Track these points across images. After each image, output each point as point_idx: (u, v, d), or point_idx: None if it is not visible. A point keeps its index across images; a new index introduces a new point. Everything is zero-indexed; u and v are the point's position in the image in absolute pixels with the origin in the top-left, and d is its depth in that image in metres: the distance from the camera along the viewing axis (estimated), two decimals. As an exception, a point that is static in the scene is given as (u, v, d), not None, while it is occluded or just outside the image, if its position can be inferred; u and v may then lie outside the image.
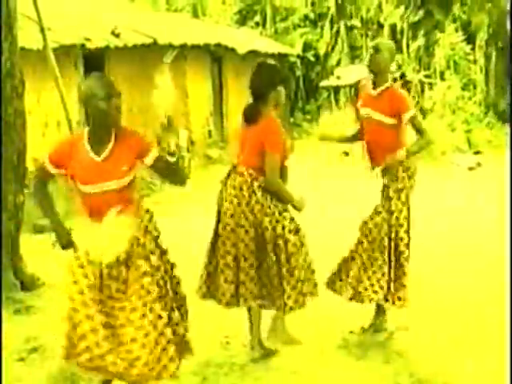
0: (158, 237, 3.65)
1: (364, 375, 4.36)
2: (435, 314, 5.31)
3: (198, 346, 4.85)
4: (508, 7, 22.29)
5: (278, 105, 4.43)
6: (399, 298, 4.80)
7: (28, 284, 6.18)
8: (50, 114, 10.16)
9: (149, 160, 3.53)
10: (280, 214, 4.36)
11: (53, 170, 3.51)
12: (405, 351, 4.70)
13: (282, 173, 4.40)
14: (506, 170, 11.97)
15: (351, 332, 5.03)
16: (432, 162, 13.24)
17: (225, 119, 17.41)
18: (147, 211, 3.65)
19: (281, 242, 4.33)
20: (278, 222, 4.33)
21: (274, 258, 4.33)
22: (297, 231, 4.42)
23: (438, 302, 5.55)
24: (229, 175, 4.50)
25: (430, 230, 7.23)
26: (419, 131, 4.72)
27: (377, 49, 4.74)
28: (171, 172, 3.60)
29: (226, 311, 5.53)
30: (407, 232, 4.78)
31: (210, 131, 16.18)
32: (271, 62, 4.62)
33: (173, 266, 3.80)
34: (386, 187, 4.72)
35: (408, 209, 4.77)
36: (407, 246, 4.79)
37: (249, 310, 4.54)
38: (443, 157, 14.49)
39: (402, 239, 4.74)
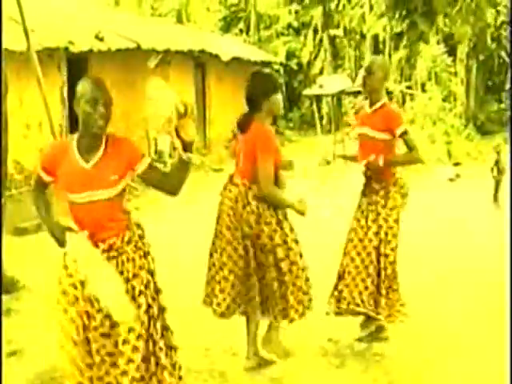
0: (148, 253, 3.49)
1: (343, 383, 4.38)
2: (414, 323, 5.33)
3: (178, 351, 4.86)
4: (489, 20, 22.57)
5: (272, 113, 4.34)
6: (389, 315, 4.83)
7: (8, 287, 6.14)
8: (31, 116, 10.12)
9: (140, 168, 3.30)
10: (278, 223, 4.28)
11: (46, 178, 3.35)
12: (383, 360, 4.72)
13: (279, 180, 4.33)
14: (484, 181, 12.11)
15: (329, 340, 5.05)
16: (413, 172, 13.34)
17: (207, 125, 17.43)
18: (138, 226, 3.49)
19: (280, 250, 4.26)
20: (275, 231, 4.25)
21: (275, 271, 4.28)
22: (296, 241, 4.38)
23: (417, 311, 5.58)
24: (225, 187, 4.42)
25: (412, 239, 7.27)
26: (410, 148, 4.76)
27: (369, 71, 4.75)
28: (163, 181, 3.38)
29: (206, 318, 5.55)
30: (393, 250, 4.79)
31: (192, 137, 16.15)
32: (266, 70, 4.47)
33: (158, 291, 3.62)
34: (375, 203, 4.78)
35: (398, 227, 4.80)
36: (391, 263, 4.80)
37: (247, 319, 4.49)
38: (424, 168, 14.60)
39: (386, 256, 4.77)
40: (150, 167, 3.33)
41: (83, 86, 3.21)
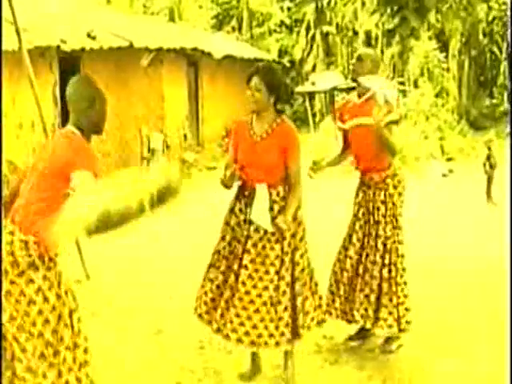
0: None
1: (337, 380, 4.38)
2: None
3: (172, 350, 4.86)
4: (480, 15, 22.58)
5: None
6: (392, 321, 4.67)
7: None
8: (24, 116, 10.08)
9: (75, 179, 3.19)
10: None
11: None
12: (378, 356, 4.73)
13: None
14: (477, 176, 12.15)
15: (324, 337, 5.06)
16: (406, 168, 13.38)
17: (200, 123, 17.42)
18: None
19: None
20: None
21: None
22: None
23: (412, 307, 5.58)
24: None
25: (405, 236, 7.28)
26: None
27: (359, 58, 4.71)
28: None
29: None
30: (389, 253, 4.66)
31: (185, 135, 16.17)
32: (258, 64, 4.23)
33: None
34: (375, 209, 4.66)
35: (398, 232, 4.69)
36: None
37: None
38: (417, 163, 14.62)
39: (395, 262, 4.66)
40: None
41: (96, 88, 3.40)
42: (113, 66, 13.08)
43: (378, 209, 4.66)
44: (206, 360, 4.69)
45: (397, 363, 4.62)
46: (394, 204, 4.67)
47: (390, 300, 4.64)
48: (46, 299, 3.22)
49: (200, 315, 4.28)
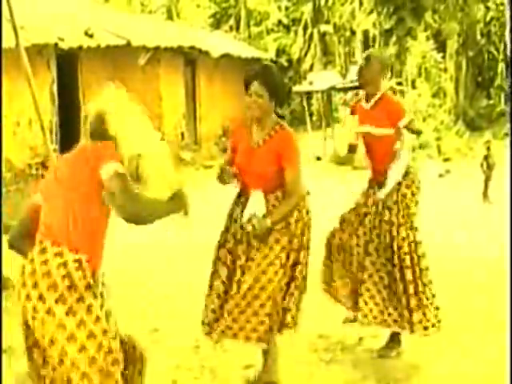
0: None
1: (332, 379, 4.38)
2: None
3: (168, 348, 4.87)
4: (478, 16, 22.61)
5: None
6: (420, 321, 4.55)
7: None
8: (21, 114, 10.07)
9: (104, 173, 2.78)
10: None
11: None
12: (373, 356, 4.73)
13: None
14: (474, 177, 12.17)
15: (320, 336, 5.06)
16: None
17: (197, 122, 17.42)
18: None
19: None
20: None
21: None
22: None
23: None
24: None
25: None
26: (415, 132, 4.76)
27: (367, 59, 4.60)
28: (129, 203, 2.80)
29: (196, 313, 5.55)
30: (409, 254, 4.59)
31: (182, 133, 16.17)
32: (256, 66, 4.13)
33: None
34: (386, 209, 4.57)
35: (414, 233, 4.62)
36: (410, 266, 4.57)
37: None
38: (413, 163, 14.63)
39: (403, 260, 4.55)
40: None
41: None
42: (110, 64, 13.07)
43: (390, 209, 4.57)
44: (201, 358, 4.69)
45: (392, 362, 4.62)
46: (407, 205, 4.58)
47: (420, 301, 4.54)
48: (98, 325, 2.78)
49: (208, 324, 4.06)
